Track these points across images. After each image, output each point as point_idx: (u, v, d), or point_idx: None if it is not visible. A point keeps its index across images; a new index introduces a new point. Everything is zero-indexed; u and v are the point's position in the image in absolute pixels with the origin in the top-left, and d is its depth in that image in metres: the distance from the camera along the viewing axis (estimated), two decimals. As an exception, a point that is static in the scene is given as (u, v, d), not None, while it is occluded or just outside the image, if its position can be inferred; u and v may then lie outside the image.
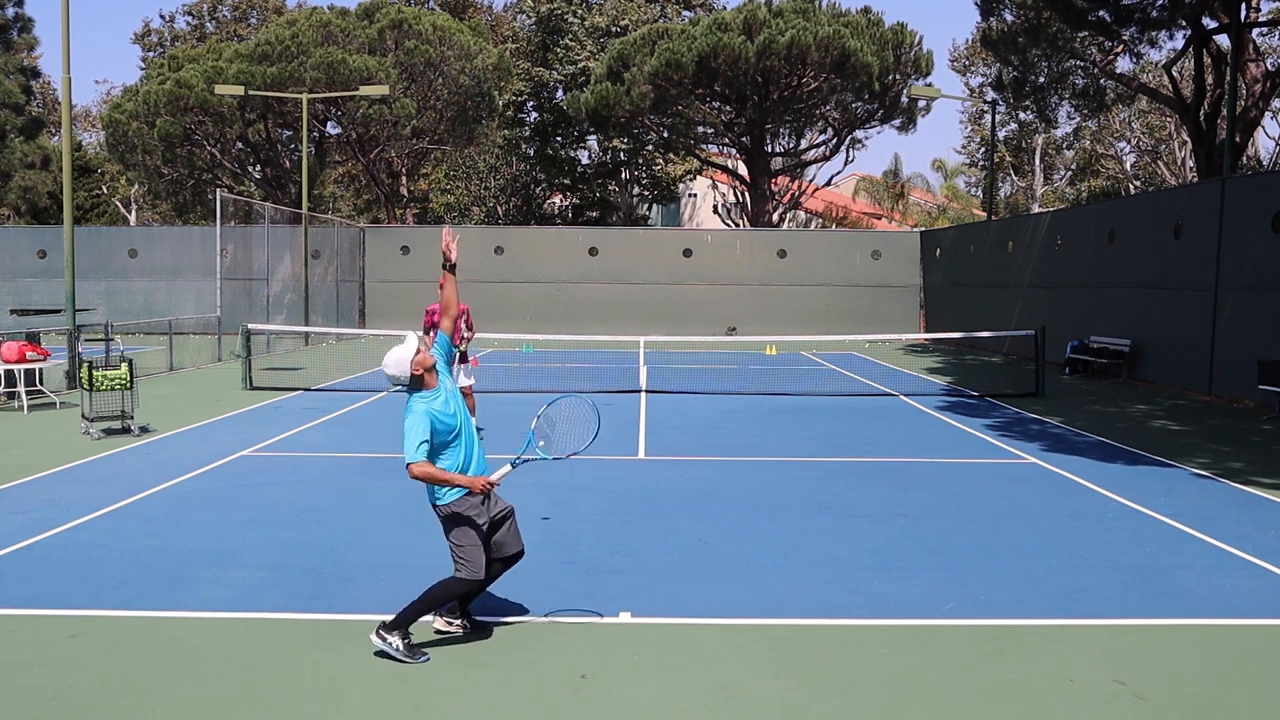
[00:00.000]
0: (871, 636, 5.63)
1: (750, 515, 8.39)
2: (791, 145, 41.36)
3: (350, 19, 37.39)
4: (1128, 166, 48.69)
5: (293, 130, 38.77)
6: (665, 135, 39.79)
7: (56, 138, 51.78)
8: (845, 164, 47.62)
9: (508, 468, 5.49)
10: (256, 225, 26.69)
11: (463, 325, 11.77)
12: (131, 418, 12.24)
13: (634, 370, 19.65)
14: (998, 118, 40.06)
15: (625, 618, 5.87)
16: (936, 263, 32.48)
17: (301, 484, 9.47)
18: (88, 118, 59.51)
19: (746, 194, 41.33)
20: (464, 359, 12.10)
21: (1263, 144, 44.62)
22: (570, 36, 43.42)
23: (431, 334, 11.72)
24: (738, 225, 43.72)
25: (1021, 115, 40.30)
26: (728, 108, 37.79)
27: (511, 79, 41.26)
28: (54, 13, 79.64)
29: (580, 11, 43.70)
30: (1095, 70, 26.67)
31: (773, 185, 39.57)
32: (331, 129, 40.18)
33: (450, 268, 5.66)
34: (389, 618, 5.27)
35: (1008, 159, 51.79)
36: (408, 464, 5.12)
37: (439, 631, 5.54)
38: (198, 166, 39.02)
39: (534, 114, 47.14)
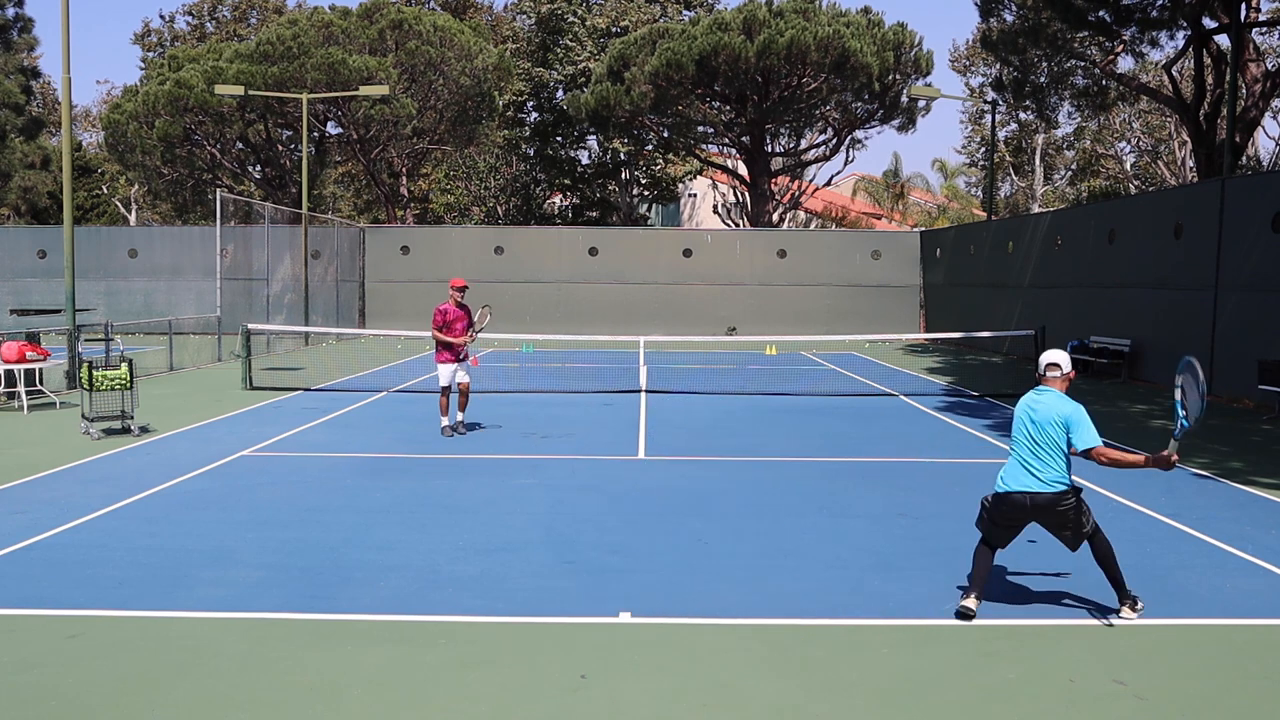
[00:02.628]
0: (871, 636, 5.63)
1: (750, 515, 8.39)
2: (791, 145, 41.36)
3: (351, 19, 37.39)
4: (1128, 166, 48.69)
5: (293, 130, 38.76)
6: (665, 135, 39.78)
7: (56, 138, 51.80)
8: (845, 164, 47.76)
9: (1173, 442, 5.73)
10: (256, 225, 26.69)
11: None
12: (131, 418, 12.24)
13: (634, 370, 19.65)
14: (998, 118, 40.08)
15: (625, 618, 5.86)
16: (936, 263, 32.48)
17: (301, 484, 9.47)
18: (88, 118, 59.52)
19: (746, 194, 41.33)
20: (465, 357, 12.38)
21: (1263, 144, 44.70)
22: (570, 36, 43.43)
23: (446, 331, 12.08)
24: (738, 225, 43.72)
25: (1021, 115, 40.34)
26: (728, 108, 37.78)
27: (511, 79, 41.26)
28: (54, 13, 79.68)
29: (580, 12, 43.69)
30: (1095, 70, 26.67)
31: (773, 185, 39.57)
32: (332, 129, 40.19)
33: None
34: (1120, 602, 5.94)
35: (1008, 159, 51.79)
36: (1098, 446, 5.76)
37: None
38: (197, 166, 39.02)
39: (534, 114, 47.16)
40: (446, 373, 12.21)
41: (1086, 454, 5.78)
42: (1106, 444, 5.82)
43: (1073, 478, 5.91)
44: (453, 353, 12.16)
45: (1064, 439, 5.80)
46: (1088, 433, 5.76)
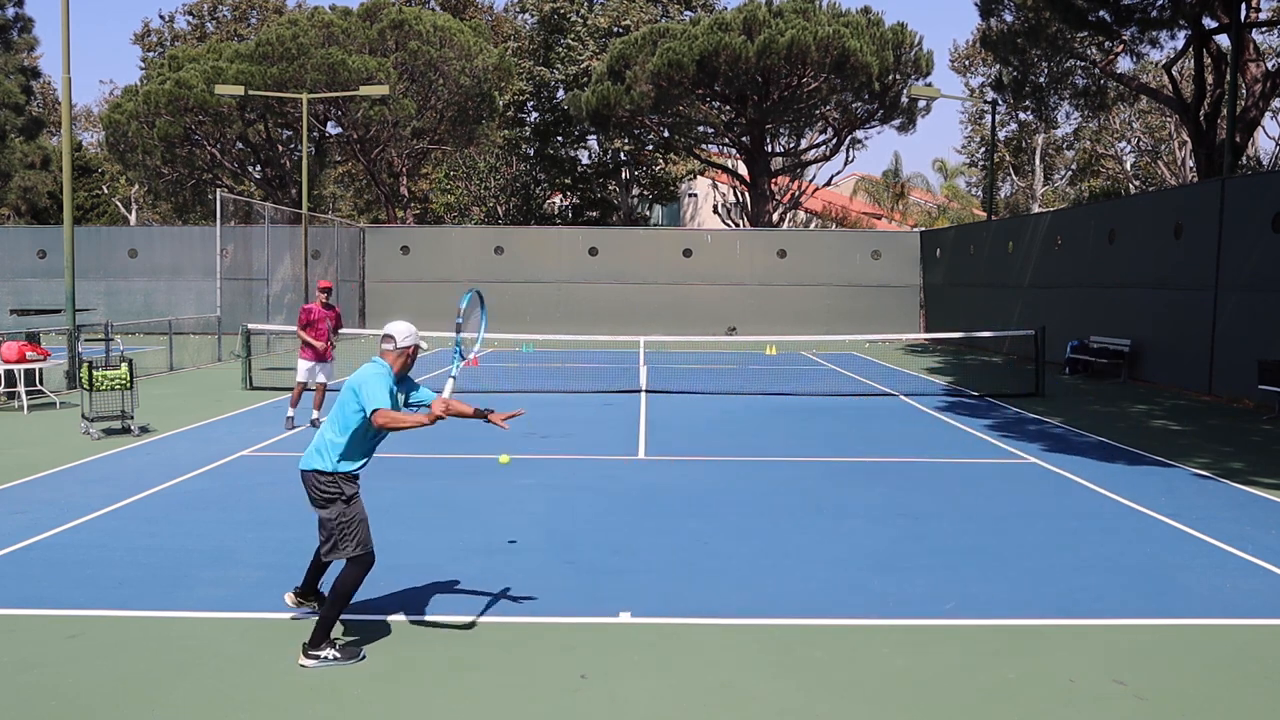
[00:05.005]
0: (871, 636, 5.63)
1: (750, 515, 8.39)
2: (791, 145, 41.36)
3: (351, 19, 37.40)
4: (1128, 166, 48.69)
5: (293, 130, 38.77)
6: (665, 135, 39.78)
7: (56, 138, 51.80)
8: (845, 164, 47.65)
9: (450, 381, 5.56)
10: (256, 225, 26.68)
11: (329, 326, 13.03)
12: (131, 418, 12.24)
13: (634, 370, 19.65)
14: (998, 118, 40.08)
15: (625, 618, 5.86)
16: (936, 263, 32.48)
17: (301, 484, 9.44)
18: (88, 118, 59.53)
19: (746, 194, 41.33)
20: (328, 357, 13.03)
21: (1263, 144, 44.68)
22: (572, 36, 43.43)
23: (309, 330, 12.75)
24: (738, 225, 43.73)
25: (1021, 115, 40.33)
26: (728, 108, 37.78)
27: (512, 78, 41.27)
28: (54, 13, 79.59)
29: (582, 11, 43.70)
30: (1095, 70, 26.67)
31: (773, 185, 39.56)
32: (332, 129, 40.19)
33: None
34: (307, 639, 5.17)
35: (1008, 159, 51.78)
36: (377, 410, 5.12)
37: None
38: (198, 166, 39.02)
39: (534, 114, 47.18)
40: (305, 369, 12.84)
41: (371, 417, 5.14)
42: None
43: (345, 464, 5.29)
44: (314, 351, 12.81)
45: (356, 408, 5.21)
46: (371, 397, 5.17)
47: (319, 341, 12.78)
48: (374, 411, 5.11)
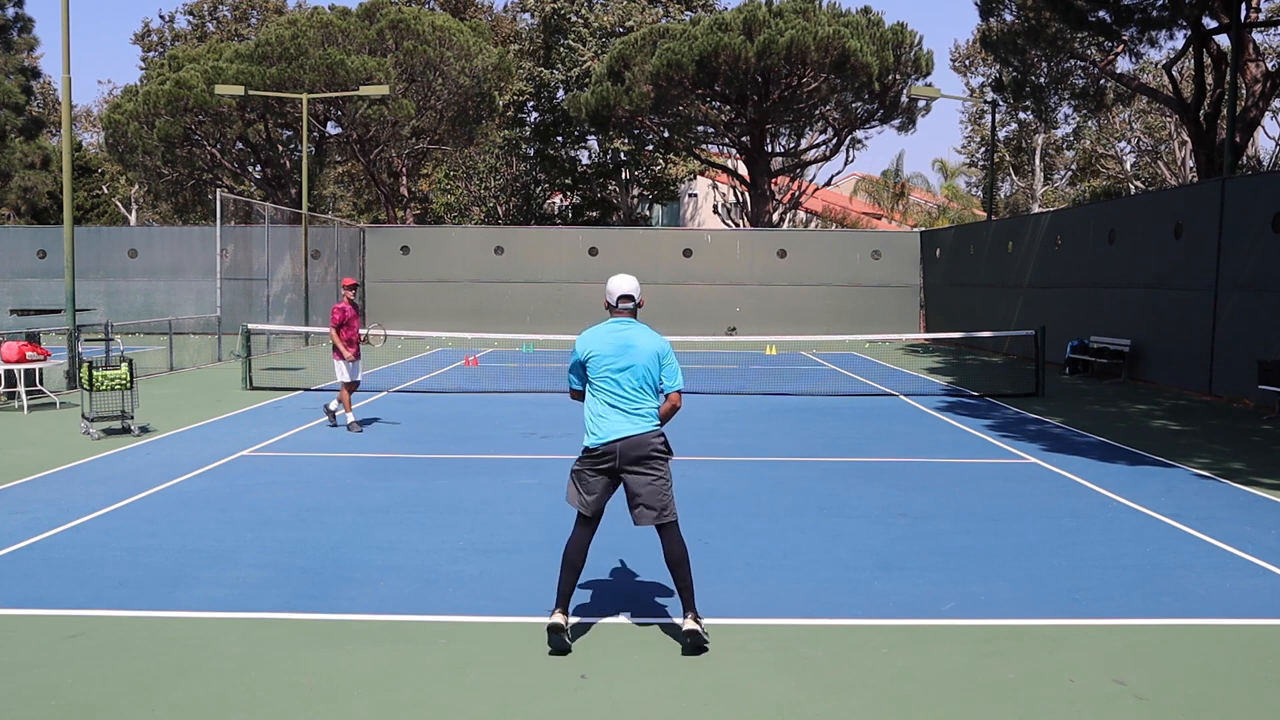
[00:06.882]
0: (871, 636, 5.63)
1: (750, 515, 8.39)
2: (791, 145, 41.35)
3: (350, 19, 37.40)
4: (1128, 166, 48.70)
5: (293, 130, 38.78)
6: (665, 135, 39.77)
7: (56, 138, 51.81)
8: (845, 164, 47.63)
9: None
10: (256, 225, 26.69)
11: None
12: (131, 418, 12.24)
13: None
14: (998, 118, 40.08)
15: (625, 618, 5.86)
16: (936, 263, 32.48)
17: (301, 484, 9.46)
18: (88, 118, 59.54)
19: (746, 194, 41.32)
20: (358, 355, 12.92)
21: (1263, 144, 44.70)
22: (573, 36, 43.42)
23: (343, 331, 12.59)
24: (738, 225, 43.71)
25: (1021, 115, 40.33)
26: (728, 108, 37.77)
27: (512, 79, 41.27)
28: (54, 13, 79.68)
29: (584, 12, 43.69)
30: (1095, 70, 26.67)
31: (773, 185, 39.55)
32: (331, 129, 40.19)
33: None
34: (693, 612, 5.30)
35: (1008, 159, 51.78)
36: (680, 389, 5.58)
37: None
38: (198, 166, 39.02)
39: (534, 114, 47.19)
40: (350, 369, 12.65)
41: (667, 396, 5.49)
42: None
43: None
44: (356, 350, 12.71)
45: (658, 376, 5.45)
46: (678, 373, 5.47)
47: (356, 339, 12.74)
48: (679, 391, 5.59)
